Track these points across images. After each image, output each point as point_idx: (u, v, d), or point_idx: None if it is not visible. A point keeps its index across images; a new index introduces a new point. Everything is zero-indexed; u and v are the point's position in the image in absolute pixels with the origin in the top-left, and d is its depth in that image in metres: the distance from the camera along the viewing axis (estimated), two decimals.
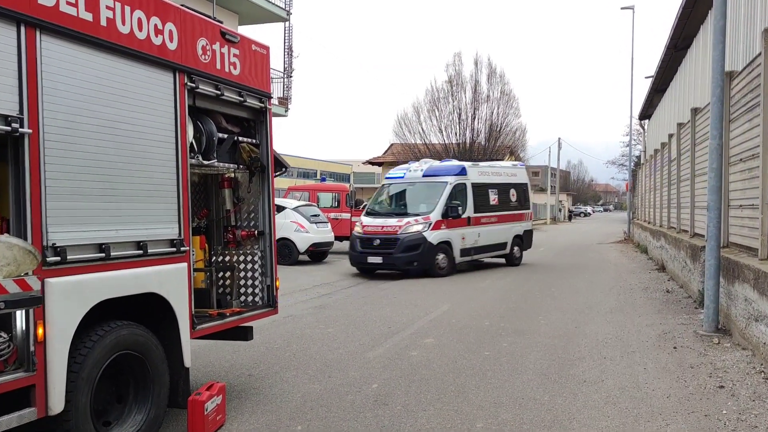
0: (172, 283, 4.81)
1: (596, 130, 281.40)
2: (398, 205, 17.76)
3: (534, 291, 13.56)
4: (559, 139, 65.27)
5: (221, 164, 5.84)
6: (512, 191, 19.22)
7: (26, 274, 3.51)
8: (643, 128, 38.06)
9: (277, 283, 6.29)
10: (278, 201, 20.12)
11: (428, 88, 53.60)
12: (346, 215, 22.30)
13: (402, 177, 17.88)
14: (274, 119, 28.62)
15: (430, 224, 16.13)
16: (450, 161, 19.08)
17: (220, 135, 5.72)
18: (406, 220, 16.23)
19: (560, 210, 74.16)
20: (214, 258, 6.34)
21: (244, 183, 6.36)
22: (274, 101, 26.63)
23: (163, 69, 4.84)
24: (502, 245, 18.61)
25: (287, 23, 25.93)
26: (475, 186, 17.54)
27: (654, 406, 5.72)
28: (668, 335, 8.71)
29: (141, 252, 4.54)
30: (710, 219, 8.62)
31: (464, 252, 17.00)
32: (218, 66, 5.46)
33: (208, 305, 5.83)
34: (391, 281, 15.15)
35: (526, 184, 20.30)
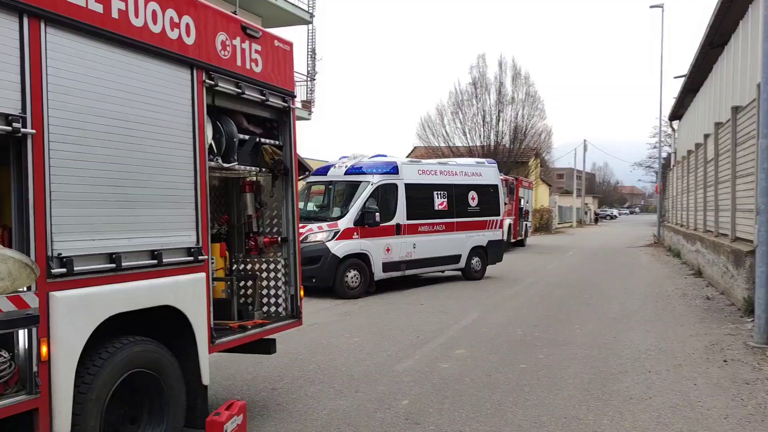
0: (189, 294, 4.47)
1: (622, 131, 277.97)
2: (317, 207, 15.04)
3: (566, 298, 13.06)
4: (585, 140, 64.37)
5: (242, 167, 5.51)
6: (472, 194, 16.12)
7: (23, 290, 3.18)
8: (673, 129, 37.18)
9: (302, 293, 5.93)
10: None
11: (452, 90, 52.97)
12: None
13: (324, 173, 14.98)
14: (298, 123, 28.62)
15: (337, 233, 13.20)
16: (384, 156, 15.16)
17: (241, 136, 5.38)
18: (309, 226, 13.30)
19: (586, 213, 73.12)
20: (235, 266, 6.00)
21: (267, 187, 6.02)
22: (298, 104, 26.48)
23: (180, 65, 4.51)
24: (454, 258, 15.69)
25: (310, 26, 25.69)
26: (410, 187, 14.44)
27: (712, 429, 5.26)
28: (716, 347, 8.19)
29: (155, 262, 4.20)
30: (761, 223, 8.09)
31: (390, 266, 13.96)
32: (239, 63, 5.12)
33: (229, 317, 5.48)
34: (417, 287, 14.74)
35: (496, 185, 17.10)
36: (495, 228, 17.04)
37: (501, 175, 27.87)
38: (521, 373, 7.06)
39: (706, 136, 17.12)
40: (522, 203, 30.68)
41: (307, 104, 25.89)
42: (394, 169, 14.34)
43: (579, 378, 6.84)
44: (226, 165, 5.17)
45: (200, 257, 4.57)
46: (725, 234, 13.84)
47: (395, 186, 14.25)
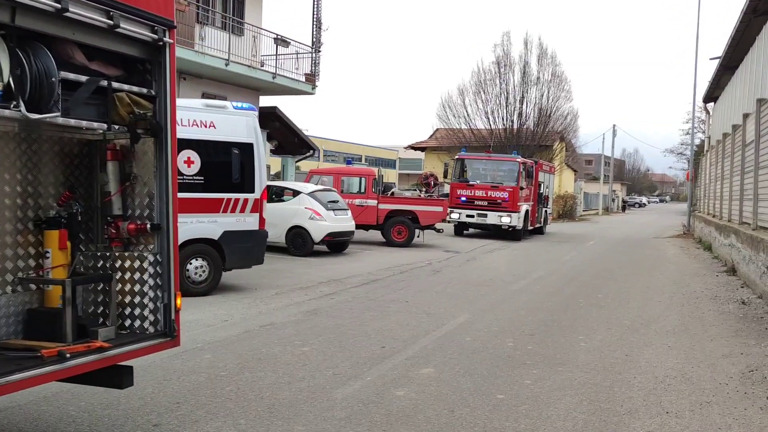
0: None
1: (654, 117, 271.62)
2: None
3: (577, 297, 11.27)
4: (614, 126, 61.63)
5: (78, 121, 3.84)
6: (188, 155, 10.12)
7: None
8: (707, 112, 34.78)
9: (179, 302, 4.28)
10: (292, 185, 18.22)
11: (474, 69, 50.77)
12: (373, 202, 20.19)
13: None
14: (301, 98, 26.77)
15: None
16: None
17: (72, 76, 3.72)
18: None
19: (613, 200, 70.52)
20: (85, 262, 4.36)
21: (141, 155, 4.36)
22: (300, 77, 24.80)
23: None
24: None
25: None
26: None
27: None
28: (756, 374, 6.40)
29: None
30: None
31: None
32: None
33: (61, 335, 3.86)
34: (410, 280, 13.05)
35: (250, 145, 10.78)
36: (242, 211, 10.71)
37: (518, 157, 26.18)
38: (495, 408, 5.35)
39: (746, 116, 15.07)
40: (542, 188, 28.71)
41: (311, 78, 24.16)
42: None
43: (571, 419, 5.12)
44: (34, 116, 3.50)
45: None
46: (765, 227, 11.91)
47: None
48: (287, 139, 25.46)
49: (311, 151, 26.71)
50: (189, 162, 10.18)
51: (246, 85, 22.04)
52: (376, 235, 20.98)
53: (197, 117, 10.32)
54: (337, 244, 17.61)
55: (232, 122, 10.76)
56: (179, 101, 11.17)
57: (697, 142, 42.09)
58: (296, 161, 26.60)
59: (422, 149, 52.42)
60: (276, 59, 22.15)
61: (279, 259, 15.40)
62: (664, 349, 7.49)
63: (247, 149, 10.84)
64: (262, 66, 22.24)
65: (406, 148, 55.82)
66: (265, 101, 24.32)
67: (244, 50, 21.13)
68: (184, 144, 9.99)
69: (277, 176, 27.38)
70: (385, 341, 7.64)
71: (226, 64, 19.47)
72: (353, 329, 8.26)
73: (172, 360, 6.47)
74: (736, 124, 16.90)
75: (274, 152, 26.95)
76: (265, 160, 11.41)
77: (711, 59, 30.44)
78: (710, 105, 32.59)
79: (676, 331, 8.50)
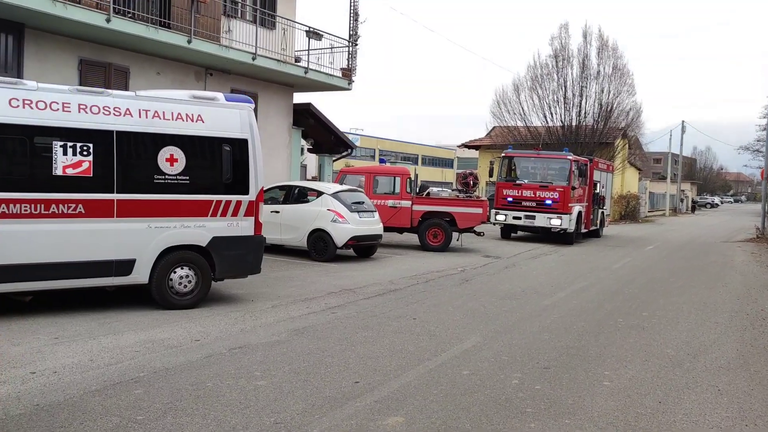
0: None
1: (728, 112, 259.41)
2: None
3: (616, 315, 9.67)
4: (683, 122, 58.25)
5: None
6: (171, 152, 8.94)
7: None
8: None
9: None
10: (314, 185, 17.06)
11: (530, 63, 48.72)
12: (407, 203, 18.82)
13: None
14: (336, 93, 25.74)
15: None
16: None
17: None
18: None
19: (682, 200, 66.85)
20: None
21: None
22: (336, 72, 23.68)
23: None
24: (106, 266, 8.54)
25: None
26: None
27: None
28: None
29: None
30: None
31: None
32: None
33: None
34: (431, 291, 11.67)
35: (245, 140, 9.67)
36: (234, 215, 9.58)
37: (570, 155, 24.30)
38: None
39: None
40: (597, 188, 26.68)
41: (348, 72, 22.96)
42: None
43: None
44: None
45: None
46: None
47: None
48: (323, 137, 24.40)
49: (348, 150, 25.55)
50: (171, 160, 9.05)
51: (277, 81, 21.07)
52: (412, 238, 19.66)
53: (182, 110, 9.20)
54: (363, 248, 16.38)
55: (224, 116, 9.59)
56: (162, 92, 10.01)
57: None
58: (333, 160, 25.51)
59: (476, 148, 50.59)
60: (308, 53, 21.10)
61: (297, 265, 14.29)
62: (711, 394, 5.92)
63: (241, 146, 9.67)
64: (298, 61, 21.22)
65: (459, 146, 54.09)
66: (301, 98, 23.34)
67: (273, 44, 20.16)
68: (167, 140, 9.05)
69: (315, 178, 26.40)
70: (363, 373, 6.33)
71: (253, 58, 18.49)
72: (334, 356, 6.98)
73: (91, 397, 5.37)
74: None
75: (310, 151, 25.96)
76: (262, 158, 10.18)
77: None
78: None
79: (731, 367, 6.87)
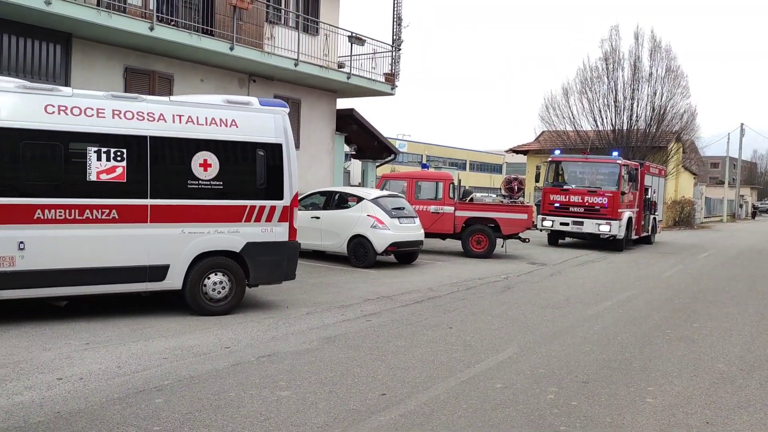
0: None
1: None
2: None
3: (665, 327, 9.19)
4: (742, 124, 56.21)
5: None
6: (205, 157, 8.87)
7: None
8: None
9: None
10: (354, 191, 16.90)
11: (579, 66, 47.73)
12: (449, 209, 18.52)
13: None
14: (380, 99, 25.63)
15: None
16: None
17: None
18: None
19: (741, 206, 64.46)
20: None
21: None
22: (379, 77, 23.54)
23: None
24: (141, 271, 8.50)
25: None
26: (17, 135, 7.70)
27: None
28: None
29: None
30: None
31: None
32: None
33: None
34: (472, 299, 11.35)
35: (279, 145, 9.48)
36: (269, 220, 9.41)
37: (619, 158, 23.57)
38: None
39: None
40: (648, 193, 25.82)
41: (390, 77, 22.83)
42: None
43: None
44: None
45: None
46: None
47: None
48: (366, 142, 24.30)
49: (392, 156, 25.39)
50: (205, 165, 8.97)
51: (320, 87, 21.08)
52: (455, 244, 19.34)
53: (216, 114, 9.10)
54: (403, 254, 16.14)
55: (258, 120, 9.47)
56: (196, 97, 9.97)
57: None
58: (377, 166, 25.38)
59: (524, 152, 49.82)
60: (350, 59, 21.04)
61: (337, 271, 14.16)
62: (766, 414, 5.48)
63: (275, 151, 9.52)
64: (341, 67, 21.19)
65: (507, 151, 53.38)
66: (344, 104, 23.33)
67: (316, 50, 20.16)
68: (200, 145, 8.99)
69: (360, 184, 26.32)
70: (391, 385, 6.11)
71: (295, 64, 18.53)
72: (363, 365, 6.78)
73: (112, 405, 5.29)
74: None
75: (354, 156, 25.91)
76: (296, 163, 10.07)
77: None
78: None
79: None
